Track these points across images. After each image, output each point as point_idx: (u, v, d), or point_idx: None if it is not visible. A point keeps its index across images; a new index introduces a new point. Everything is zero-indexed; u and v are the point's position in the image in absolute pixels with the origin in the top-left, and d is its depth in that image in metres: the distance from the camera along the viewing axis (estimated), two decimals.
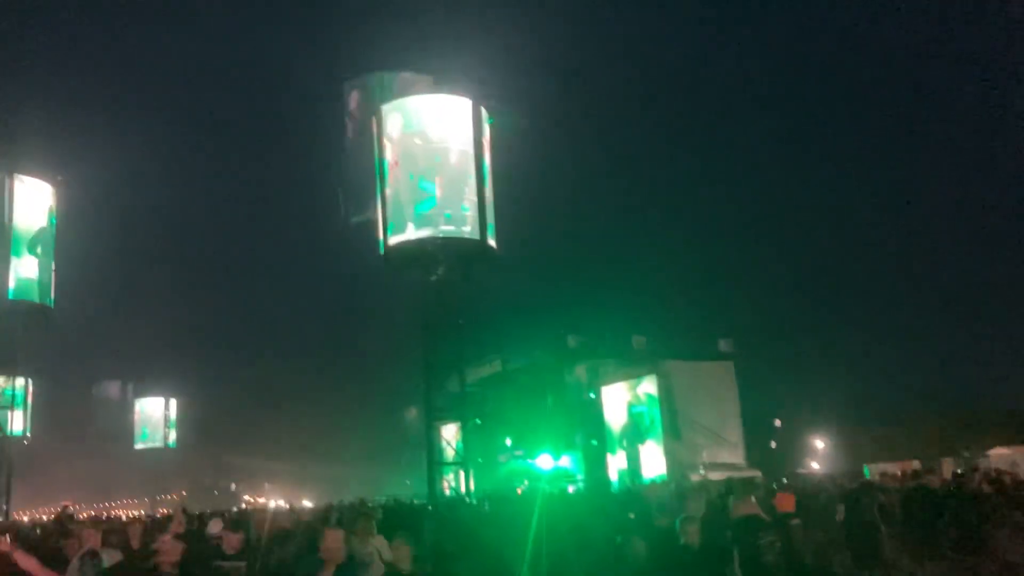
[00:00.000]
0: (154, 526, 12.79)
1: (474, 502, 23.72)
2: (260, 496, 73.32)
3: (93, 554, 5.58)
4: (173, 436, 68.24)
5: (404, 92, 27.69)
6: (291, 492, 63.60)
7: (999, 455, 27.57)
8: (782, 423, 45.42)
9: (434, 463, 27.81)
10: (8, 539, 5.08)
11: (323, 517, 13.52)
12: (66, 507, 20.62)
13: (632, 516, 9.55)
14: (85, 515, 34.46)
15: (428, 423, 28.68)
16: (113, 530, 9.37)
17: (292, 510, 16.77)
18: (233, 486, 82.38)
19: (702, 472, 34.39)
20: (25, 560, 4.91)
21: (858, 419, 46.26)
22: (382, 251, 27.25)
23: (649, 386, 39.66)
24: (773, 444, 44.72)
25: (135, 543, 8.30)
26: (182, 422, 69.10)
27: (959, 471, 19.57)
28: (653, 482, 31.10)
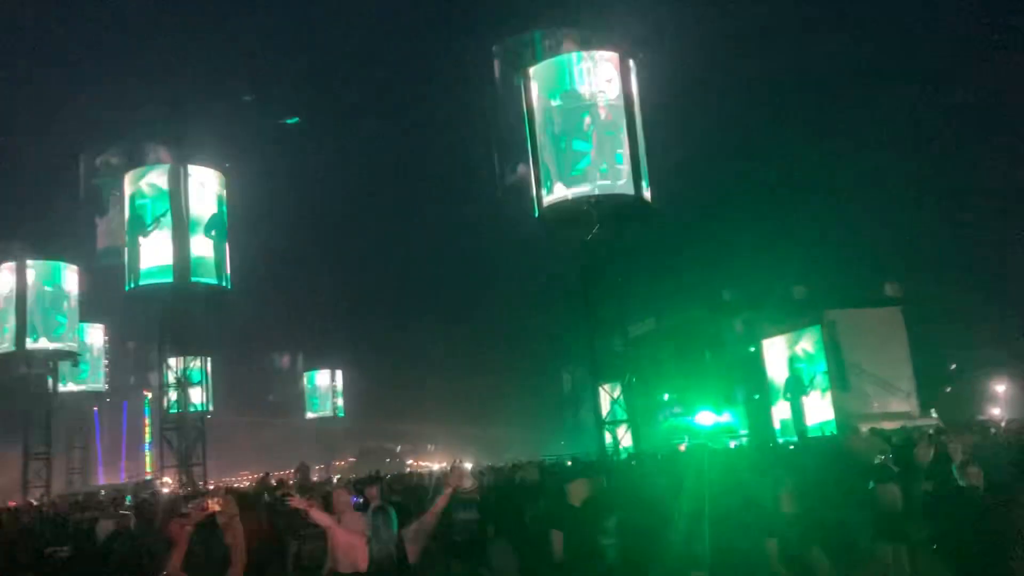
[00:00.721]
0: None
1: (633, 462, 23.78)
2: (423, 459, 76.41)
3: (383, 508, 5.97)
4: (341, 405, 71.99)
5: (550, 51, 27.60)
6: (453, 454, 65.76)
7: None
8: (957, 367, 43.12)
9: (601, 422, 28.05)
10: (301, 500, 5.78)
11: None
12: (267, 475, 22.10)
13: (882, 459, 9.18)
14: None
15: (594, 382, 28.98)
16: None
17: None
18: (399, 448, 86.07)
19: (872, 423, 33.19)
20: (319, 516, 5.64)
21: None
22: (536, 213, 27.48)
23: (812, 337, 38.48)
24: (948, 390, 42.58)
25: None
26: (348, 391, 72.74)
27: None
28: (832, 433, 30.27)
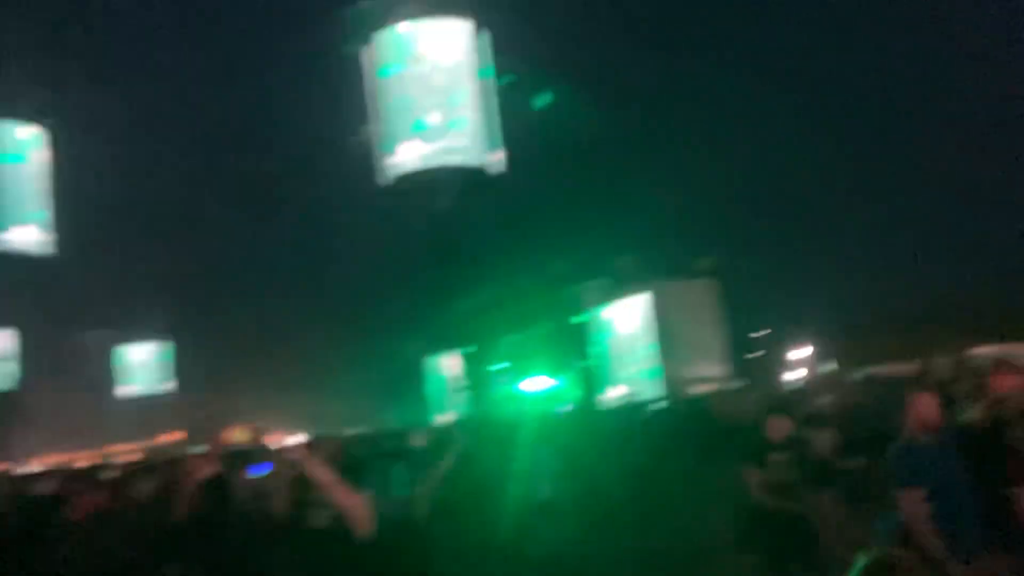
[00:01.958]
0: None
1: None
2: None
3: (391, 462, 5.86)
4: (168, 380, 68.82)
5: (396, 17, 27.60)
6: (288, 429, 64.29)
7: (984, 354, 28.46)
8: (765, 335, 46.78)
9: (439, 392, 28.64)
10: (301, 449, 4.82)
11: None
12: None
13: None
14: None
15: (434, 353, 29.55)
16: None
17: None
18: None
19: (690, 387, 35.63)
20: (318, 470, 4.77)
21: (839, 329, 47.60)
22: (382, 179, 27.59)
23: (639, 305, 40.65)
24: (756, 354, 46.12)
25: None
26: (177, 365, 69.62)
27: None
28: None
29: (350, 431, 26.37)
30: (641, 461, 8.94)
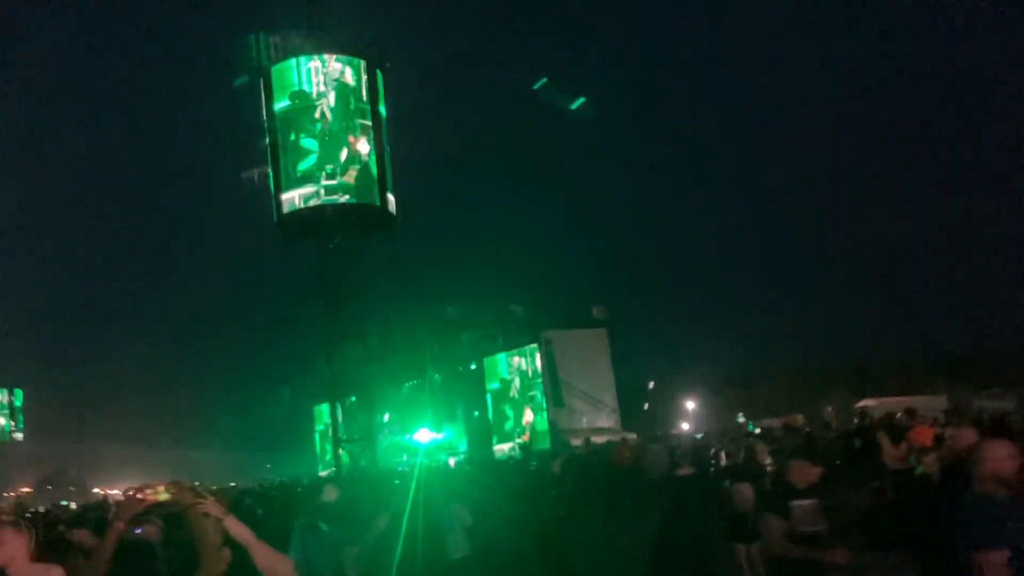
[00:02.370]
0: None
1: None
2: (113, 487, 69.44)
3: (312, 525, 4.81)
4: (20, 427, 63.57)
5: (295, 52, 26.54)
6: (147, 481, 60.28)
7: (867, 407, 29.19)
8: (655, 386, 46.94)
9: (338, 441, 27.25)
10: (214, 504, 3.86)
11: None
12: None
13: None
14: None
15: (332, 401, 28.15)
16: None
17: None
18: (85, 479, 77.65)
19: (582, 439, 35.04)
20: (238, 528, 3.83)
21: (724, 381, 48.33)
22: (275, 219, 26.28)
23: (530, 355, 39.98)
24: (646, 406, 46.14)
25: None
26: (29, 412, 64.49)
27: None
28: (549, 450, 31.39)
29: (235, 485, 24.42)
30: (550, 515, 8.07)
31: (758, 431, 22.20)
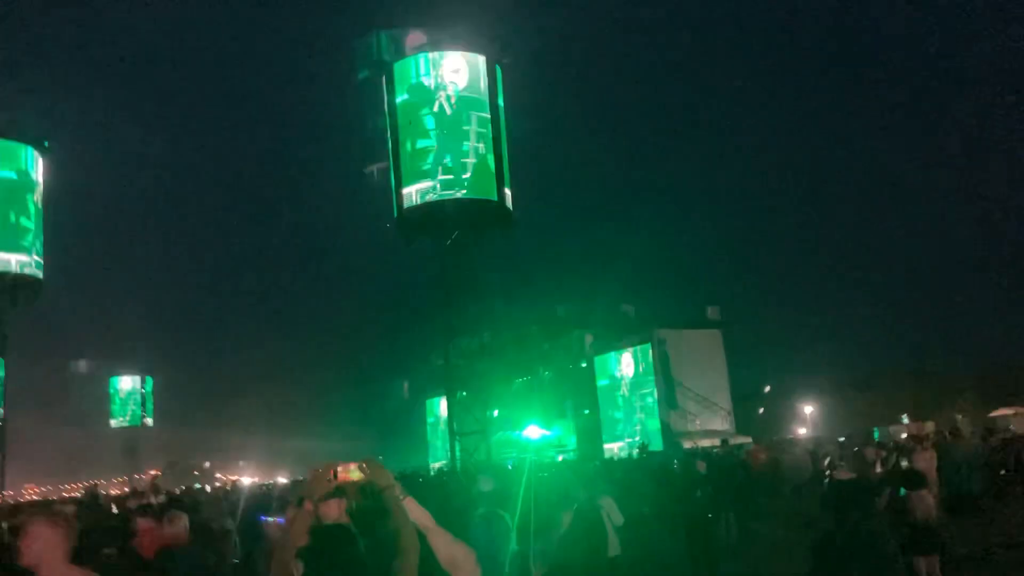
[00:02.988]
0: None
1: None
2: (234, 473, 72.33)
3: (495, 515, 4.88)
4: (149, 413, 67.10)
5: (418, 49, 26.97)
6: (265, 468, 62.70)
7: (1002, 416, 27.72)
8: (770, 390, 45.73)
9: (454, 435, 27.66)
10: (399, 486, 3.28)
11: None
12: (95, 485, 19.87)
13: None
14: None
15: (447, 394, 28.56)
16: None
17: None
18: (207, 464, 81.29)
19: (694, 440, 34.48)
20: (419, 512, 3.52)
21: (843, 386, 46.67)
22: (395, 214, 26.82)
23: (642, 355, 39.56)
24: (761, 411, 45.02)
25: None
26: (159, 399, 67.98)
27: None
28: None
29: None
30: (699, 515, 7.88)
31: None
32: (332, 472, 3.44)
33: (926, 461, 8.48)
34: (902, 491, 7.34)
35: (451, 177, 26.03)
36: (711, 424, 38.67)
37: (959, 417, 31.09)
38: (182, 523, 6.84)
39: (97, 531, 6.69)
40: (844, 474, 7.01)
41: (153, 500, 12.72)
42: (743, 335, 43.65)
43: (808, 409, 44.51)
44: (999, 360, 47.82)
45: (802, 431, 42.69)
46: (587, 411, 41.38)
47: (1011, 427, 20.84)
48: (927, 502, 7.22)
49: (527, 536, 6.22)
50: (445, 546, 3.56)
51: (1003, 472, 10.52)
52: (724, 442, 29.38)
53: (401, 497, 3.35)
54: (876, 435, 26.06)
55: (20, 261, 30.02)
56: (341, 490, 3.58)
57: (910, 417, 39.15)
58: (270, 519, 6.99)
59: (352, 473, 3.40)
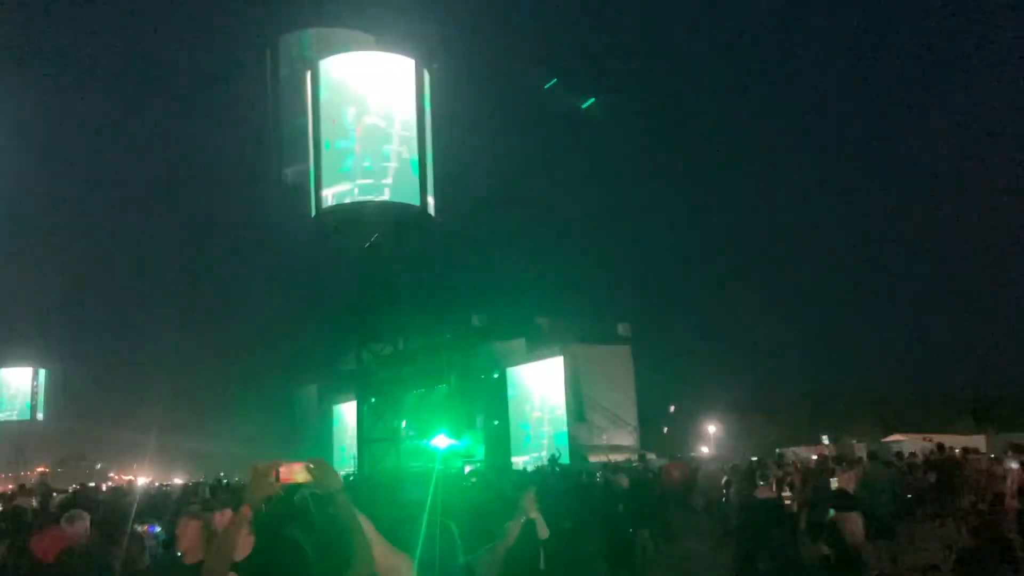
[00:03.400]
0: None
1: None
2: (128, 473, 69.57)
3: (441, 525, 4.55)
4: (40, 407, 63.95)
5: (341, 49, 26.65)
6: (161, 469, 60.61)
7: (896, 440, 28.96)
8: (676, 408, 46.69)
9: (364, 441, 27.34)
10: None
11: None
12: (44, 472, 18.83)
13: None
14: None
15: (359, 399, 28.21)
16: None
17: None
18: (98, 465, 77.95)
19: (602, 454, 34.86)
20: (367, 524, 3.45)
21: (745, 407, 48.02)
22: (313, 213, 26.31)
23: (554, 367, 39.85)
24: (666, 429, 45.91)
25: None
26: (51, 393, 64.82)
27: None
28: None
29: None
30: (619, 532, 7.96)
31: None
32: (275, 473, 3.10)
33: (850, 482, 8.68)
34: (831, 512, 7.50)
35: (371, 181, 25.78)
36: (617, 439, 39.19)
37: (854, 442, 32.36)
38: (84, 524, 6.55)
39: None
40: (765, 492, 7.11)
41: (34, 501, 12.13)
42: (652, 353, 44.42)
43: (711, 429, 45.61)
44: (895, 387, 50.12)
45: (705, 450, 43.71)
46: (496, 422, 41.41)
47: (904, 451, 21.78)
48: (857, 524, 7.27)
49: (472, 547, 6.16)
50: (384, 556, 3.41)
51: (908, 496, 11.00)
52: (642, 457, 29.92)
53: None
54: (777, 457, 26.86)
55: None
56: (285, 493, 3.41)
57: (806, 440, 40.53)
58: (139, 527, 6.69)
59: (298, 474, 3.07)
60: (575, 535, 7.83)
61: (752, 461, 16.50)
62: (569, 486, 11.68)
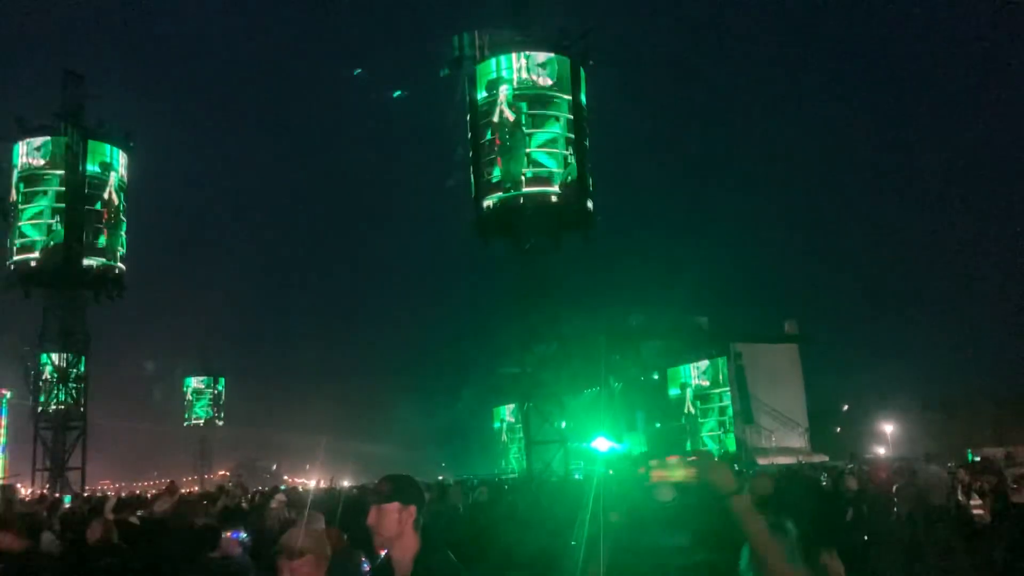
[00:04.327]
0: None
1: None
2: (300, 476, 72.94)
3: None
4: (220, 413, 68.34)
5: (502, 49, 26.79)
6: (330, 472, 62.85)
7: None
8: (849, 408, 44.50)
9: (531, 443, 27.45)
10: None
11: None
12: (172, 483, 20.09)
13: None
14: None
15: (521, 402, 28.33)
16: None
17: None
18: (274, 466, 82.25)
19: (769, 458, 33.61)
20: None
21: (922, 406, 45.14)
22: (476, 215, 26.69)
23: (715, 368, 38.86)
24: (838, 429, 43.80)
25: None
26: (229, 399, 69.15)
27: None
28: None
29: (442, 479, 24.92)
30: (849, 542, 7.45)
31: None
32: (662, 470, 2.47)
33: None
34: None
35: (532, 183, 25.82)
36: (787, 441, 37.77)
37: None
38: (321, 523, 6.71)
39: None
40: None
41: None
42: (820, 350, 42.47)
43: (888, 428, 43.14)
44: None
45: (881, 450, 41.40)
46: (658, 424, 40.78)
47: None
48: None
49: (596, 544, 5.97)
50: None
51: None
52: (851, 455, 28.64)
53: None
54: (969, 458, 24.93)
55: (101, 260, 30.63)
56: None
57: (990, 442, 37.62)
58: (224, 534, 6.70)
59: (675, 471, 2.44)
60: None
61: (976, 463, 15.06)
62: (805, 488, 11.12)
